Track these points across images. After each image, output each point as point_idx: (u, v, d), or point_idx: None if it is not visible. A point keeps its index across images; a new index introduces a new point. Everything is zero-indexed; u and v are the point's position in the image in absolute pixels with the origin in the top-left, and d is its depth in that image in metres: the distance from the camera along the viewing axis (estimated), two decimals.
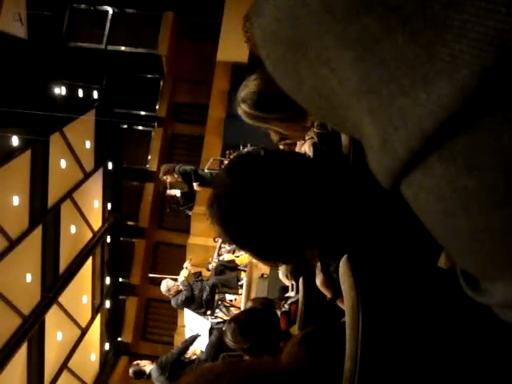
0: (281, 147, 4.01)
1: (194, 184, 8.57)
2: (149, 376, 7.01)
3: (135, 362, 7.38)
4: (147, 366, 7.04)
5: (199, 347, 7.60)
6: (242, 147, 8.60)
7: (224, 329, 3.08)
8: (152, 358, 7.57)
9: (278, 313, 2.88)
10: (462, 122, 0.36)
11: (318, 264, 1.75)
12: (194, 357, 7.50)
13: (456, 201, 0.39)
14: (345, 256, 1.18)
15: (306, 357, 1.31)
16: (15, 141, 8.99)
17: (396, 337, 1.02)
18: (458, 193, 0.39)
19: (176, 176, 8.62)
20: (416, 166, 0.40)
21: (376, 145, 0.42)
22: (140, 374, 7.10)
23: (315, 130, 2.06)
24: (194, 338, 7.57)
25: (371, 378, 0.98)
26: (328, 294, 1.75)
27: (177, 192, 9.28)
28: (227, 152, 8.83)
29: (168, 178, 8.79)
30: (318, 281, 1.76)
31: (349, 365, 1.02)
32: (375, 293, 1.09)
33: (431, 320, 1.03)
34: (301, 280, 2.55)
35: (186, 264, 9.10)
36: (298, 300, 2.64)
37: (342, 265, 1.16)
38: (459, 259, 0.44)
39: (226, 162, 8.43)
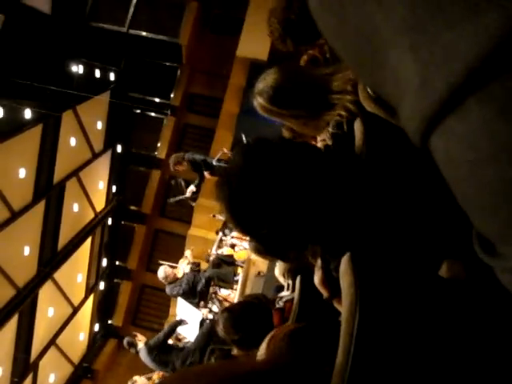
0: None
1: (205, 173, 8.61)
2: (137, 352, 7.23)
3: (134, 333, 7.66)
4: (141, 342, 7.19)
5: (189, 337, 7.67)
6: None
7: (216, 318, 3.09)
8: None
9: (272, 309, 2.89)
10: (508, 58, 0.34)
11: (318, 262, 1.75)
12: (185, 344, 7.59)
13: (488, 148, 0.38)
14: (347, 254, 1.19)
15: (288, 354, 1.32)
16: (28, 113, 9.01)
17: (390, 337, 1.02)
18: (491, 139, 0.37)
19: (186, 164, 8.65)
20: (453, 110, 0.38)
21: (414, 86, 0.40)
22: (132, 344, 7.34)
23: (330, 129, 2.06)
24: (179, 322, 7.76)
25: (362, 374, 0.99)
26: (325, 293, 1.76)
27: (192, 187, 9.28)
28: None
29: (179, 168, 8.79)
30: (317, 278, 1.76)
31: (341, 359, 1.03)
32: (374, 293, 1.09)
33: (427, 325, 1.04)
34: (298, 279, 2.56)
35: (187, 253, 9.10)
36: (292, 298, 2.65)
37: (344, 262, 1.17)
38: (480, 219, 0.43)
39: None
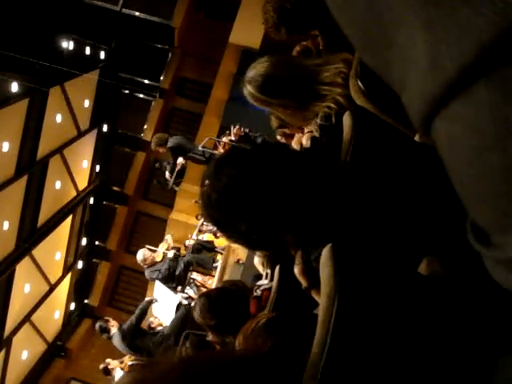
0: (278, 137, 4.01)
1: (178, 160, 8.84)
2: (110, 337, 7.11)
3: (106, 318, 7.52)
4: (114, 327, 7.13)
5: (164, 321, 7.67)
6: (232, 128, 8.55)
7: (193, 303, 3.10)
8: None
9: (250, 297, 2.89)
10: None
11: (299, 252, 1.76)
12: (159, 328, 7.57)
13: (495, 134, 0.36)
14: (329, 245, 1.18)
15: (263, 344, 1.32)
16: (14, 87, 8.90)
17: (367, 330, 1.03)
18: (498, 125, 0.36)
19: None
20: (461, 92, 0.37)
21: (422, 65, 0.38)
22: (104, 330, 7.23)
23: (318, 121, 2.06)
24: (149, 302, 7.75)
25: (337, 366, 0.99)
26: (304, 283, 1.76)
27: (181, 160, 9.24)
28: (227, 132, 8.76)
29: (160, 150, 8.79)
30: (297, 268, 1.76)
31: (316, 351, 1.03)
32: (353, 285, 1.10)
33: (404, 320, 1.04)
34: (277, 267, 2.56)
35: (168, 237, 9.10)
36: (270, 287, 2.65)
37: (325, 253, 1.17)
38: (477, 207, 0.42)
39: (222, 139, 8.44)
